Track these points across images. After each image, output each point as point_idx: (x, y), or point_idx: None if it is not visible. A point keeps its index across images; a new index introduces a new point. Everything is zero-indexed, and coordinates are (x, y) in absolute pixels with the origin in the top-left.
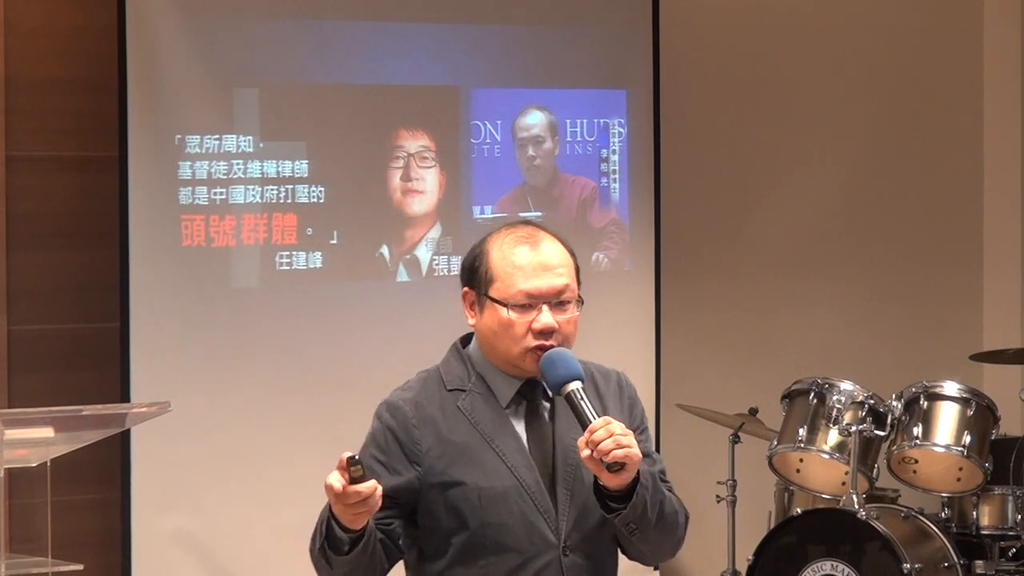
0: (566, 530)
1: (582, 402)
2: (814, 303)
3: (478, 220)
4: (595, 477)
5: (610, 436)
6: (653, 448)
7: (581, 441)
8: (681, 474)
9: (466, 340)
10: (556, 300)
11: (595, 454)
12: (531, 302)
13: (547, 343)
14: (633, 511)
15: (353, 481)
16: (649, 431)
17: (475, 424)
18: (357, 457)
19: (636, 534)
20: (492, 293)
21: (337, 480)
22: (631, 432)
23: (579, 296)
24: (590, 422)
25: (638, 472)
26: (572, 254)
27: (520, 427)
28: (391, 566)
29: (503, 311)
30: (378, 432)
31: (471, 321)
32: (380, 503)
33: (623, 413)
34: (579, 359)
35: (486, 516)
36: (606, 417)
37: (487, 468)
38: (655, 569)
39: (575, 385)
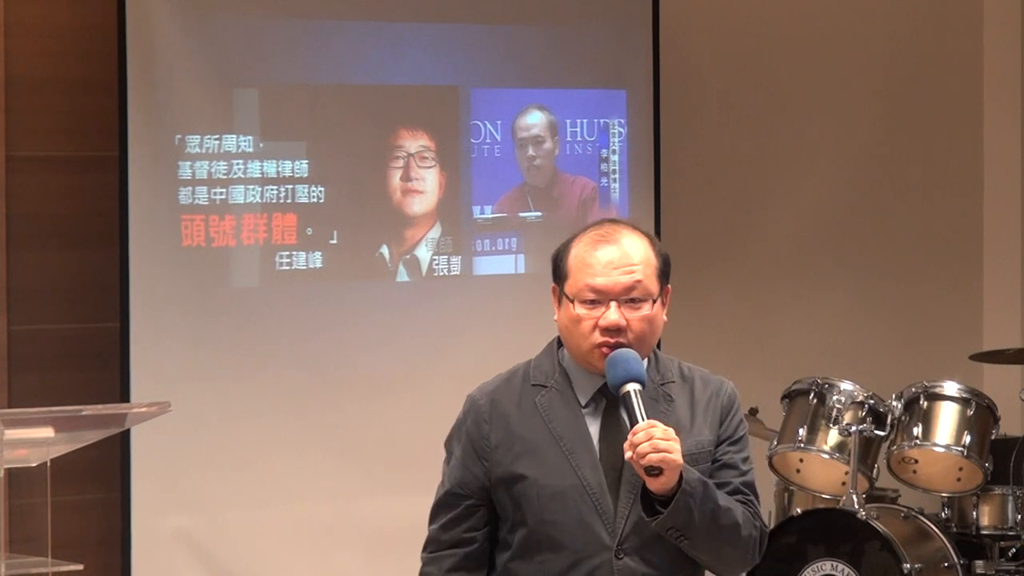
0: (623, 533)
1: (634, 405)
2: (814, 303)
3: (478, 220)
4: (643, 483)
5: (649, 439)
6: (742, 460)
7: (626, 444)
8: None
9: None
10: (626, 298)
11: (634, 456)
12: (597, 298)
13: (613, 340)
14: (673, 517)
15: None
16: (747, 442)
17: (548, 422)
18: None
19: (683, 541)
20: (565, 289)
21: None
22: (675, 438)
23: (656, 295)
24: (635, 423)
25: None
26: (658, 253)
27: (595, 427)
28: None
29: (572, 306)
30: (458, 427)
31: (555, 317)
32: None
33: (708, 421)
34: (689, 364)
35: (543, 513)
36: (651, 420)
37: (550, 465)
38: None
39: (632, 387)
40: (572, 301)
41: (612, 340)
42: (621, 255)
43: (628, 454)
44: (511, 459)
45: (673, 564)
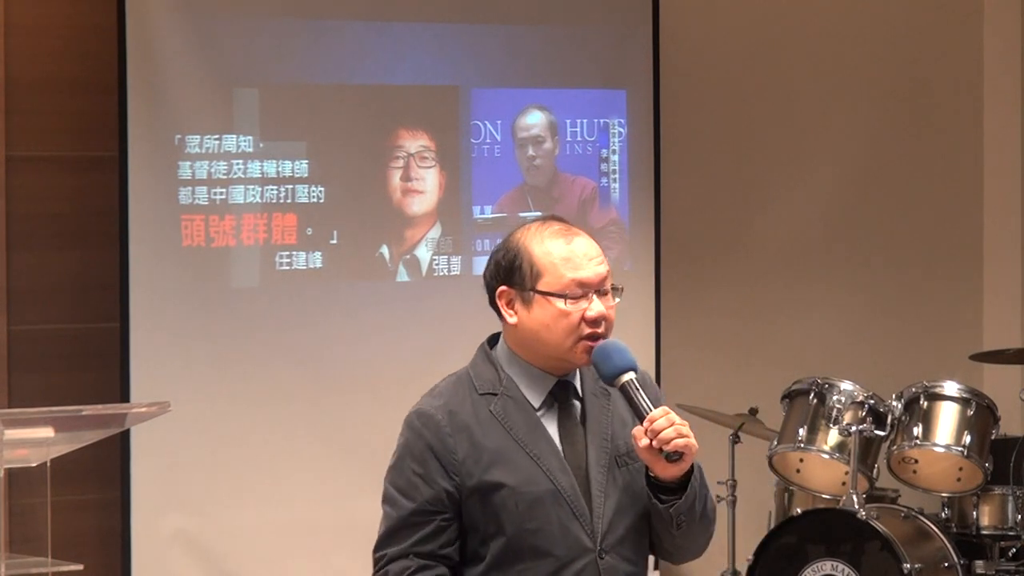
0: (602, 532)
1: (638, 392)
2: (814, 303)
3: (478, 220)
4: (646, 469)
5: (671, 425)
6: None
7: (639, 431)
8: None
9: (492, 341)
10: (602, 289)
11: (655, 443)
12: (584, 291)
13: (599, 331)
14: (686, 501)
15: None
16: None
17: (509, 429)
18: None
19: (683, 526)
20: (542, 287)
21: None
22: (687, 423)
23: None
24: (647, 412)
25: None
26: None
27: (553, 429)
28: None
29: (559, 303)
30: (413, 443)
31: (512, 320)
32: None
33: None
34: None
35: (523, 522)
36: (664, 407)
37: (523, 473)
38: (655, 568)
39: (631, 376)
40: (561, 297)
41: (599, 331)
42: (590, 246)
43: (644, 441)
44: (482, 470)
45: (640, 556)
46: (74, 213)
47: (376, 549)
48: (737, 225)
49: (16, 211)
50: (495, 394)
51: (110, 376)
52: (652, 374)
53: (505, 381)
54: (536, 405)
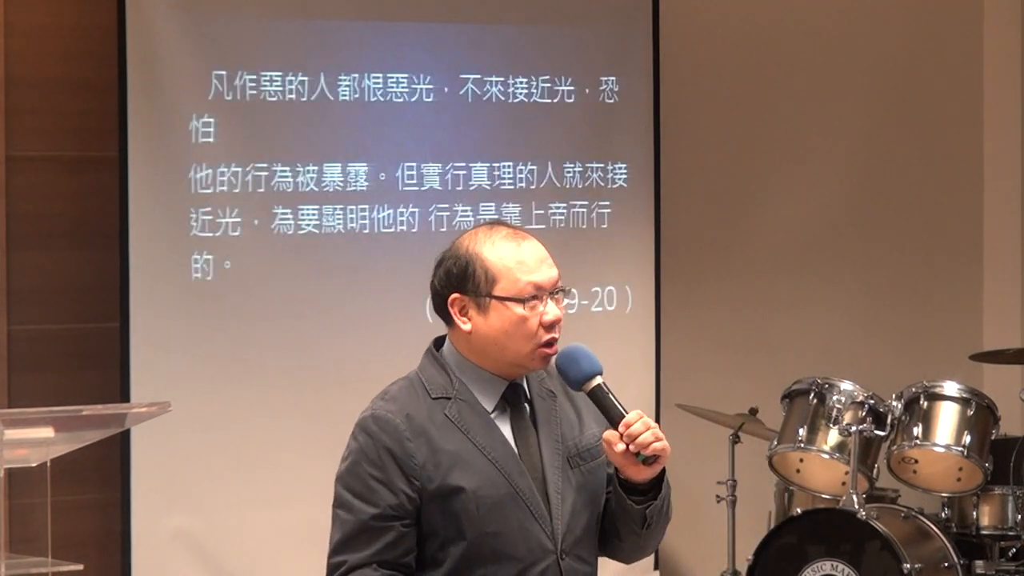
0: (561, 534)
1: (610, 395)
2: (814, 303)
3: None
4: (615, 472)
5: (648, 429)
6: None
7: (612, 435)
8: (681, 474)
9: (438, 344)
10: (555, 291)
11: (633, 447)
12: (539, 294)
13: (556, 336)
14: (660, 501)
15: None
16: None
17: (466, 432)
18: None
19: (651, 526)
20: (498, 293)
21: None
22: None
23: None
24: (622, 415)
25: None
26: None
27: (507, 432)
28: None
29: (516, 308)
30: (369, 448)
31: (466, 328)
32: None
33: (590, 414)
34: None
35: (484, 525)
36: (637, 411)
37: (482, 476)
38: (655, 568)
39: (600, 380)
40: (519, 302)
41: (556, 336)
42: (540, 249)
43: (620, 446)
44: (443, 474)
45: (593, 557)
46: (74, 213)
47: (333, 554)
48: (737, 225)
49: (16, 211)
50: (448, 398)
51: (110, 376)
52: (653, 374)
53: (457, 385)
54: (489, 409)
